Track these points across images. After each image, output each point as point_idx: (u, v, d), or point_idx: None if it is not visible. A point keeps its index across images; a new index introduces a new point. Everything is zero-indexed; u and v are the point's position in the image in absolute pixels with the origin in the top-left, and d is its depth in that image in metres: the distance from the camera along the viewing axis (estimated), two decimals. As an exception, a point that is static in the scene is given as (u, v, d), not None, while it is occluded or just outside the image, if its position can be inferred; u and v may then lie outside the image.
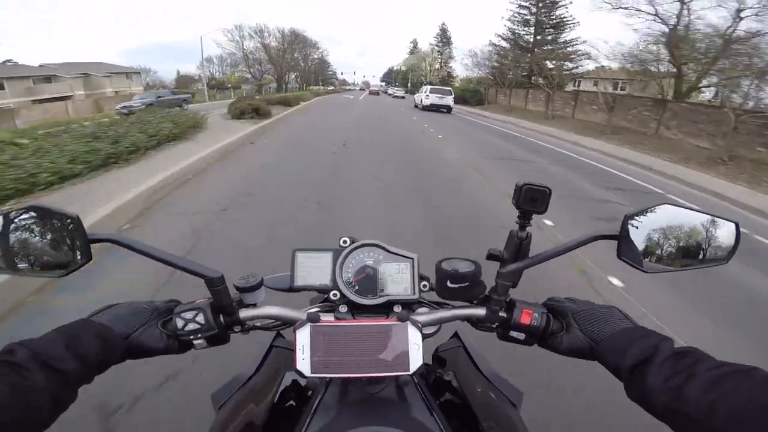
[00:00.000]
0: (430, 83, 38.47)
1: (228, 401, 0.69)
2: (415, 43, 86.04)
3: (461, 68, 61.80)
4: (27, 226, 0.49)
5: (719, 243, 0.54)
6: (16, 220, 0.48)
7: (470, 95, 34.09)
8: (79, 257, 0.50)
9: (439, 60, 64.70)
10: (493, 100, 32.93)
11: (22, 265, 0.49)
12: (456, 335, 0.89)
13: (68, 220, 0.49)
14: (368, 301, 0.59)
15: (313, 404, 0.54)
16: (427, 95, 23.91)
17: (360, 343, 0.50)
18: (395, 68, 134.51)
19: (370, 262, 0.61)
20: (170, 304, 0.57)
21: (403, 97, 46.58)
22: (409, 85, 70.53)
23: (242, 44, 51.32)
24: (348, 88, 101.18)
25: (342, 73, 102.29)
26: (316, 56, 65.94)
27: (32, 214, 0.49)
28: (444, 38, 65.36)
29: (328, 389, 0.57)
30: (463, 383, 0.73)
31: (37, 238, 0.49)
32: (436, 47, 65.25)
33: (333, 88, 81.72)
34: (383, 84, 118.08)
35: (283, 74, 51.18)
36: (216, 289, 0.53)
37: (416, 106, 25.74)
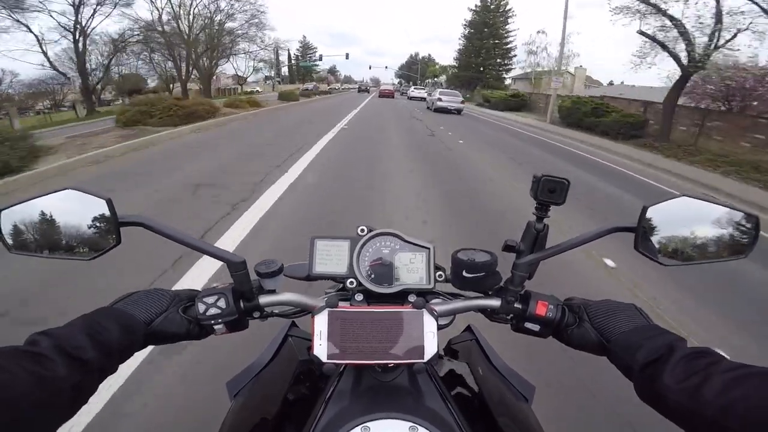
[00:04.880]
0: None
1: (242, 390, 0.71)
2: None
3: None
4: (61, 208, 0.51)
5: (738, 236, 0.53)
6: (50, 203, 0.51)
7: None
8: (109, 239, 0.52)
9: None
10: None
11: (52, 248, 0.52)
12: (469, 328, 0.90)
13: (101, 203, 0.51)
14: (384, 290, 0.59)
15: (328, 392, 0.55)
16: None
17: (376, 330, 0.51)
18: (419, 56, 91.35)
19: (386, 251, 0.62)
20: (191, 292, 0.58)
21: (459, 111, 20.93)
22: (533, 82, 31.38)
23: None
24: (336, 88, 69.98)
25: (318, 57, 67.83)
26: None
27: (66, 196, 0.51)
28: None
29: (342, 377, 0.58)
30: (476, 375, 0.73)
31: (70, 220, 0.51)
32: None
33: (327, 87, 57.30)
34: (398, 82, 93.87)
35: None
36: (237, 274, 0.55)
37: None
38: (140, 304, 0.53)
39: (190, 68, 29.36)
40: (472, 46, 45.00)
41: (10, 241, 0.51)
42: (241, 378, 0.73)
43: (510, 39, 41.98)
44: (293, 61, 67.19)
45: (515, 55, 42.27)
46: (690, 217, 0.54)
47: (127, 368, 1.80)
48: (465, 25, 46.40)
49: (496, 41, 43.40)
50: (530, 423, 0.66)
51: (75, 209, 0.51)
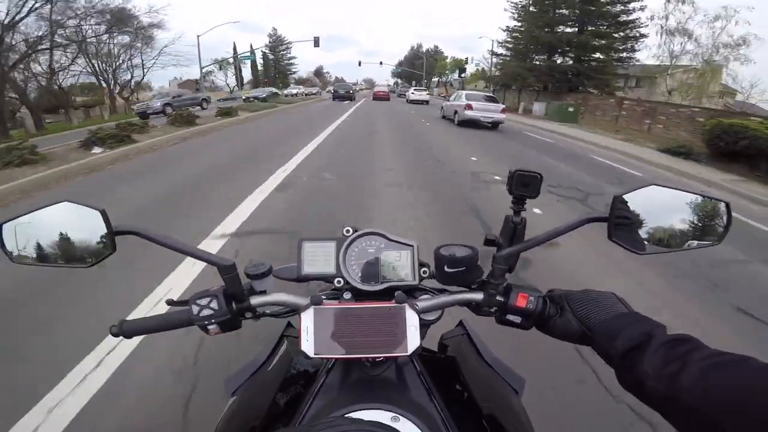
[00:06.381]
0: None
1: (240, 387, 0.73)
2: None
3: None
4: (58, 220, 0.54)
5: (711, 223, 0.54)
6: (48, 215, 0.53)
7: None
8: (104, 248, 0.54)
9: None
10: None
11: (52, 257, 0.54)
12: (461, 324, 0.91)
13: (95, 214, 0.53)
14: (370, 288, 0.61)
15: (316, 386, 0.57)
16: None
17: (360, 325, 0.52)
18: (422, 48, 72.59)
19: (371, 250, 0.63)
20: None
21: (496, 125, 13.72)
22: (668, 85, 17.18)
23: None
24: (262, 95, 31.99)
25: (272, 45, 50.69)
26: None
27: (62, 208, 0.53)
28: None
29: (330, 372, 0.60)
30: (465, 369, 0.75)
31: (67, 231, 0.54)
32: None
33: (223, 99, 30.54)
34: (394, 83, 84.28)
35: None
36: (228, 277, 0.57)
37: None
38: None
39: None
40: (544, 14, 23.56)
41: (11, 253, 0.54)
42: (238, 376, 0.75)
43: (631, 6, 20.90)
44: (258, 57, 49.78)
45: (644, 36, 20.62)
46: (662, 205, 0.55)
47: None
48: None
49: (609, 5, 21.51)
50: (518, 415, 0.67)
51: (71, 220, 0.54)
